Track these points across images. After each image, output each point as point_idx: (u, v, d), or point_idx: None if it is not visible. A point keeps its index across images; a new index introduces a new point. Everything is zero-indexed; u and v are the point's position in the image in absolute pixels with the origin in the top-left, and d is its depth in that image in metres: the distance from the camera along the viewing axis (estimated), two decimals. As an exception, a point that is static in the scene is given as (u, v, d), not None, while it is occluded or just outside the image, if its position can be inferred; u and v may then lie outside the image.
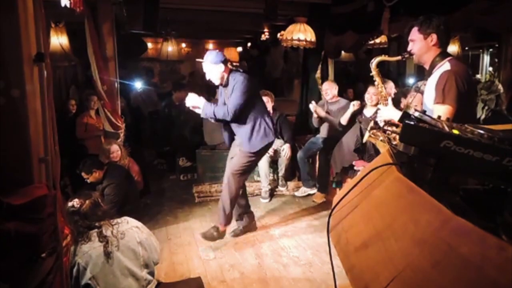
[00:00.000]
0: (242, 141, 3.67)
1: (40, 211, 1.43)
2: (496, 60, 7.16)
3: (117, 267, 2.24)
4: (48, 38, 5.58)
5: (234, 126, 3.71)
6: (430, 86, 2.37)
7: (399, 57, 2.58)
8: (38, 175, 1.50)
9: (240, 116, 3.53)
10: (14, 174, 1.46)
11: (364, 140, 3.09)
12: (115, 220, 2.45)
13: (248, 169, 3.83)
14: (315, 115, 5.17)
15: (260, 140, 3.62)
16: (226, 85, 3.59)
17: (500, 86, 4.96)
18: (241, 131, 3.65)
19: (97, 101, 5.01)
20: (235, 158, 3.81)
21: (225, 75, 3.57)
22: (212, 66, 3.54)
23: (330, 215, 1.35)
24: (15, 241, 1.35)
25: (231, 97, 3.49)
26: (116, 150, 4.40)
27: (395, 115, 2.53)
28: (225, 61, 3.55)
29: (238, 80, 3.48)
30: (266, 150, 3.86)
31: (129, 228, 2.43)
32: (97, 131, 5.19)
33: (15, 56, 1.45)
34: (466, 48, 8.69)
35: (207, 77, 3.63)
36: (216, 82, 3.62)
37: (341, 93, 5.81)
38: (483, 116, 4.52)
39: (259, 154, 3.76)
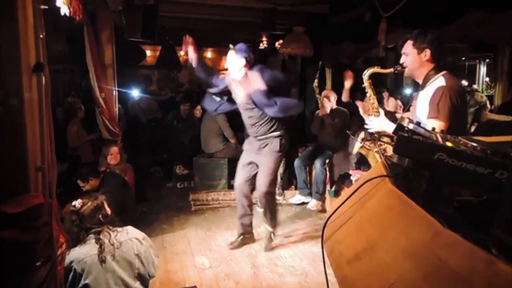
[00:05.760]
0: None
1: (36, 220, 1.44)
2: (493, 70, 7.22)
3: (111, 277, 2.23)
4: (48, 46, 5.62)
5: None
6: (423, 100, 2.39)
7: (391, 70, 2.60)
8: (35, 183, 1.51)
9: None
10: (10, 182, 1.47)
11: (354, 151, 3.10)
12: (115, 228, 2.43)
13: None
14: (321, 113, 5.19)
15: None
16: (243, 82, 3.59)
17: (483, 98, 4.96)
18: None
19: (83, 109, 5.19)
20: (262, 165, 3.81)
21: (243, 71, 3.56)
22: (236, 57, 3.55)
23: (324, 226, 1.36)
24: (10, 250, 1.35)
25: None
26: (115, 152, 4.41)
27: (387, 126, 2.54)
28: (248, 59, 3.56)
29: (263, 72, 3.51)
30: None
31: (128, 239, 2.40)
32: (89, 137, 5.25)
33: (14, 65, 1.46)
34: (463, 59, 8.77)
35: (226, 64, 3.65)
36: (232, 74, 3.60)
37: (339, 102, 5.82)
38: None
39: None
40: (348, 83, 5.16)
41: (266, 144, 3.75)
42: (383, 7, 4.54)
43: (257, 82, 3.46)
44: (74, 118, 5.33)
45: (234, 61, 3.56)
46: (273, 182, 3.82)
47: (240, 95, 3.62)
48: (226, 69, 3.77)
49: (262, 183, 3.76)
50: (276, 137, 3.73)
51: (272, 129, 3.71)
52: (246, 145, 3.97)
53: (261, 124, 3.69)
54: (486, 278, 0.72)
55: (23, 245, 1.39)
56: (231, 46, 3.65)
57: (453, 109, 2.23)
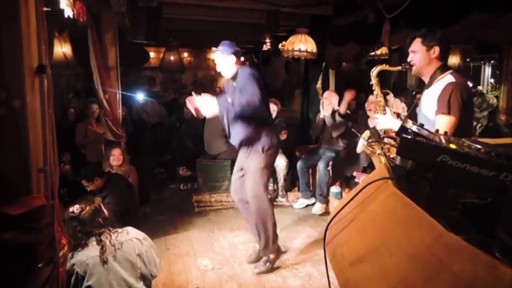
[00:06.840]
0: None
1: (38, 221, 1.44)
2: (498, 72, 7.19)
3: (114, 278, 2.23)
4: (51, 48, 5.65)
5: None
6: (430, 97, 2.38)
7: (399, 67, 2.61)
8: (37, 185, 1.52)
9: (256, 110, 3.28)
10: (13, 184, 1.48)
11: (359, 150, 3.08)
12: (115, 229, 2.44)
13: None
14: (322, 115, 5.16)
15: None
16: (234, 79, 3.41)
17: (494, 100, 4.93)
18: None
19: (98, 110, 5.06)
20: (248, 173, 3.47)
21: (236, 68, 3.38)
22: (223, 57, 3.36)
23: (326, 229, 1.35)
24: (12, 251, 1.35)
25: (245, 89, 3.26)
26: (117, 154, 4.43)
27: (393, 124, 2.54)
28: (236, 53, 3.37)
29: (246, 73, 3.30)
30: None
31: (129, 239, 2.41)
32: (96, 137, 5.25)
33: (16, 67, 1.47)
34: (468, 60, 8.72)
35: (218, 69, 3.45)
36: (226, 74, 3.42)
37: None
38: (476, 135, 4.54)
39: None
40: (348, 96, 5.12)
41: (251, 147, 3.46)
42: (387, 8, 4.54)
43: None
44: (87, 119, 5.38)
45: (224, 61, 3.37)
46: (261, 186, 3.40)
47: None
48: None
49: (247, 186, 3.46)
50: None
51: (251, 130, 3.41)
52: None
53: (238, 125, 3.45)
54: (489, 282, 0.71)
55: (25, 247, 1.40)
56: (214, 49, 3.54)
57: (463, 105, 2.23)
